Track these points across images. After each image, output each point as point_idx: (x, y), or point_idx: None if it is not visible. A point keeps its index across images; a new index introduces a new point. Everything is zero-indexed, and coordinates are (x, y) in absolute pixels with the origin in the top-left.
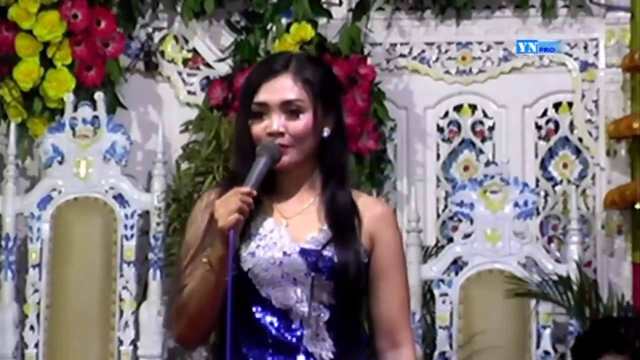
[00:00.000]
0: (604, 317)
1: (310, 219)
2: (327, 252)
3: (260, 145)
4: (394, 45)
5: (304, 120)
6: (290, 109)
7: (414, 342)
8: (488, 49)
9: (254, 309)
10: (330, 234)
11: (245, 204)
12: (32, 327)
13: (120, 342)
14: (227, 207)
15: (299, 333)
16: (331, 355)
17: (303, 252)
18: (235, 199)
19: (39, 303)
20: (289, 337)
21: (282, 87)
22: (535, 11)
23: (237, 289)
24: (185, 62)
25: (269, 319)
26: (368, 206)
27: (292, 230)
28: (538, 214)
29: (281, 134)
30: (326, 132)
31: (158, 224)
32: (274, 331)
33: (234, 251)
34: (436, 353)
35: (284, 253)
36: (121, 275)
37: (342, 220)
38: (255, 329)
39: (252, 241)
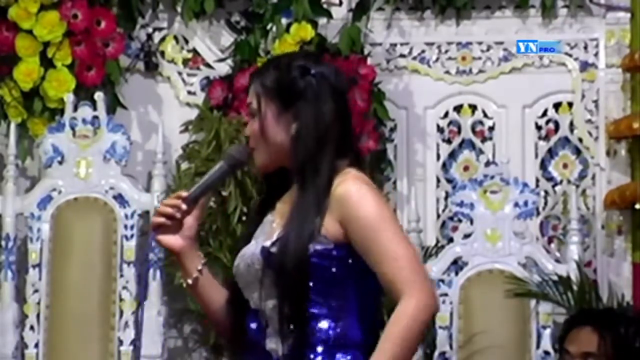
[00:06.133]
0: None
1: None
2: (272, 249)
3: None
4: (394, 45)
5: (256, 122)
6: (250, 113)
7: (419, 290)
8: (488, 49)
9: (246, 316)
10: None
11: (171, 207)
12: (32, 327)
13: (120, 342)
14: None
15: (265, 332)
16: (286, 351)
17: (261, 251)
18: (162, 204)
19: (39, 303)
20: (261, 337)
21: (249, 93)
22: (535, 11)
23: (239, 297)
24: (185, 62)
25: (250, 323)
26: (335, 189)
27: (274, 229)
28: (538, 214)
29: (248, 137)
30: (293, 131)
31: None
32: (254, 335)
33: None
34: (436, 353)
35: (253, 254)
36: (121, 275)
37: (291, 216)
38: (247, 337)
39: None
